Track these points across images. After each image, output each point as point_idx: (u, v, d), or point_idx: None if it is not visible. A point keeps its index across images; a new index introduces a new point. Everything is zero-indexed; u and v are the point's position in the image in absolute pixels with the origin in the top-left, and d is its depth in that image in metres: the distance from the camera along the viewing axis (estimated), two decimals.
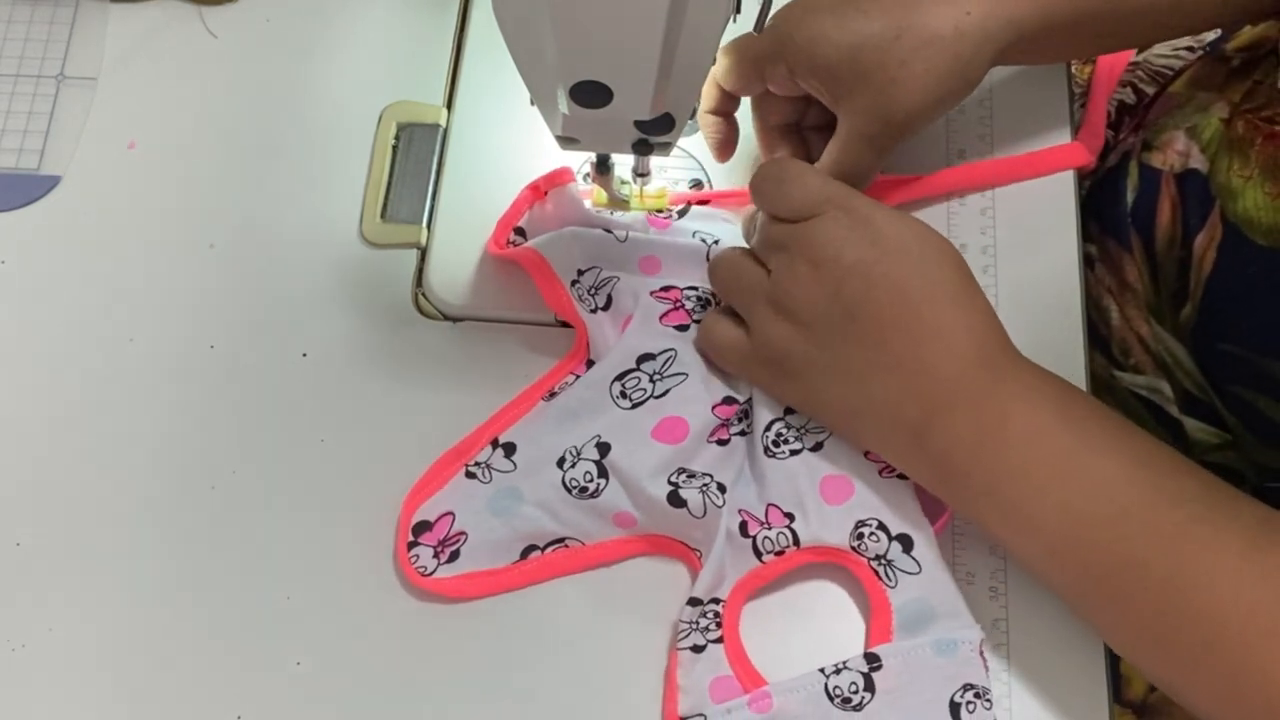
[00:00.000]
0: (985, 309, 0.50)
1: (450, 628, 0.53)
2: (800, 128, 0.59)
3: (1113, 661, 0.52)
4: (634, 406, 0.53)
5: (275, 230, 0.60)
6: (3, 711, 0.52)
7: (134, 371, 0.57)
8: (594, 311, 0.55)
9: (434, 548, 0.53)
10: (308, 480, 0.55)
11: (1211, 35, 0.77)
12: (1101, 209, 0.66)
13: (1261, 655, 0.42)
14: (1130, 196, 0.64)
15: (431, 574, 0.52)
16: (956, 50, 0.52)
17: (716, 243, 0.57)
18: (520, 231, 0.58)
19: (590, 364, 0.56)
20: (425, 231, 0.60)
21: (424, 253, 0.60)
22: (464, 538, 0.53)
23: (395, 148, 0.62)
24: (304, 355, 0.58)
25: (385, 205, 0.61)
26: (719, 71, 0.56)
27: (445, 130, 0.62)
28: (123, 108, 0.63)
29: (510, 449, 0.54)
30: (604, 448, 0.53)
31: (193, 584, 0.54)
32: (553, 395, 0.55)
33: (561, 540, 0.53)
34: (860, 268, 0.48)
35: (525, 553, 0.53)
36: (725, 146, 0.59)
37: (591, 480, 0.52)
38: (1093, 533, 0.46)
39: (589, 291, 0.56)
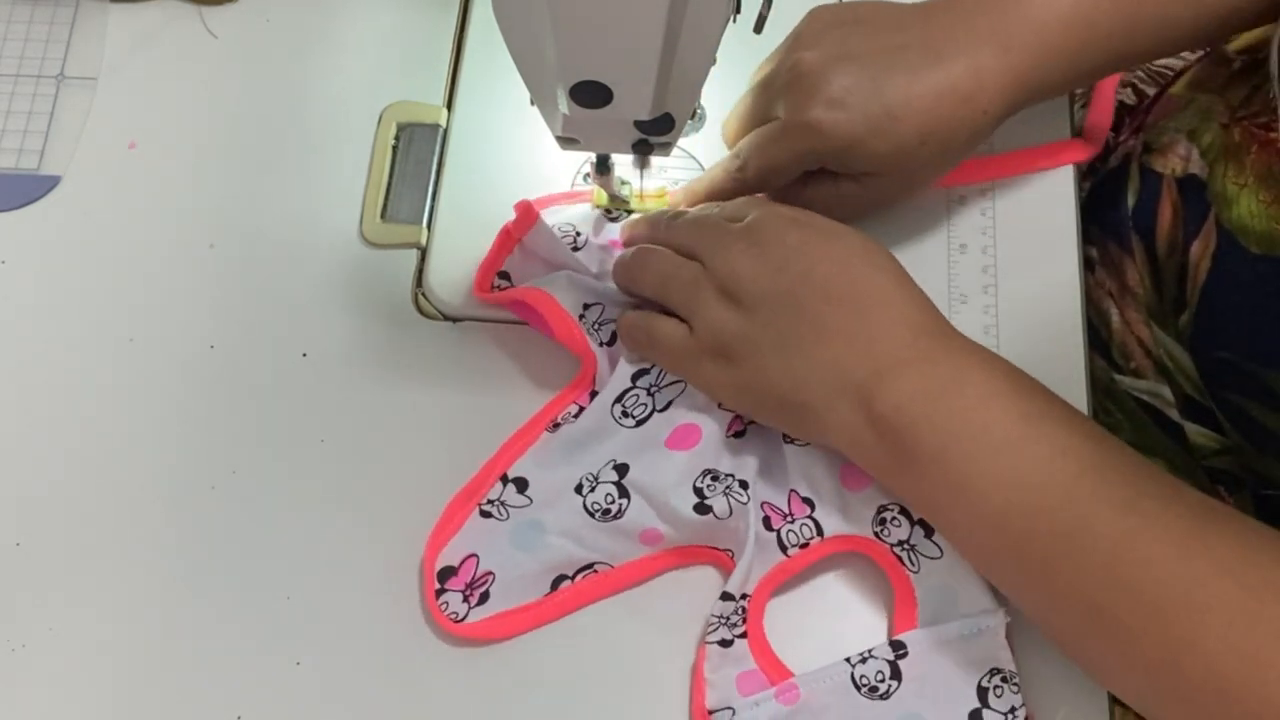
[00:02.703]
0: (920, 290, 0.51)
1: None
2: None
3: None
4: (638, 424, 0.53)
5: (275, 230, 0.60)
6: (3, 711, 0.52)
7: (134, 371, 0.57)
8: (601, 345, 0.55)
9: (462, 592, 0.52)
10: (307, 480, 0.55)
11: None
12: (1102, 211, 0.66)
13: (1201, 629, 0.42)
14: (1131, 200, 0.64)
15: (464, 619, 0.52)
16: (972, 146, 0.55)
17: None
18: (504, 275, 0.57)
19: (594, 395, 0.55)
20: (425, 231, 0.60)
21: (424, 253, 0.60)
22: (492, 578, 0.52)
23: (395, 148, 0.62)
24: (304, 355, 0.58)
25: (385, 205, 0.61)
26: (758, 186, 0.56)
27: (445, 130, 0.62)
28: (123, 108, 0.63)
29: (522, 484, 0.54)
30: (622, 468, 0.53)
31: (193, 584, 0.54)
32: (556, 426, 0.55)
33: (590, 566, 0.53)
34: (804, 247, 0.50)
35: (555, 583, 0.53)
36: None
37: (613, 502, 0.52)
38: (1044, 498, 0.46)
39: (594, 326, 0.55)
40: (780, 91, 0.54)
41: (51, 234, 0.60)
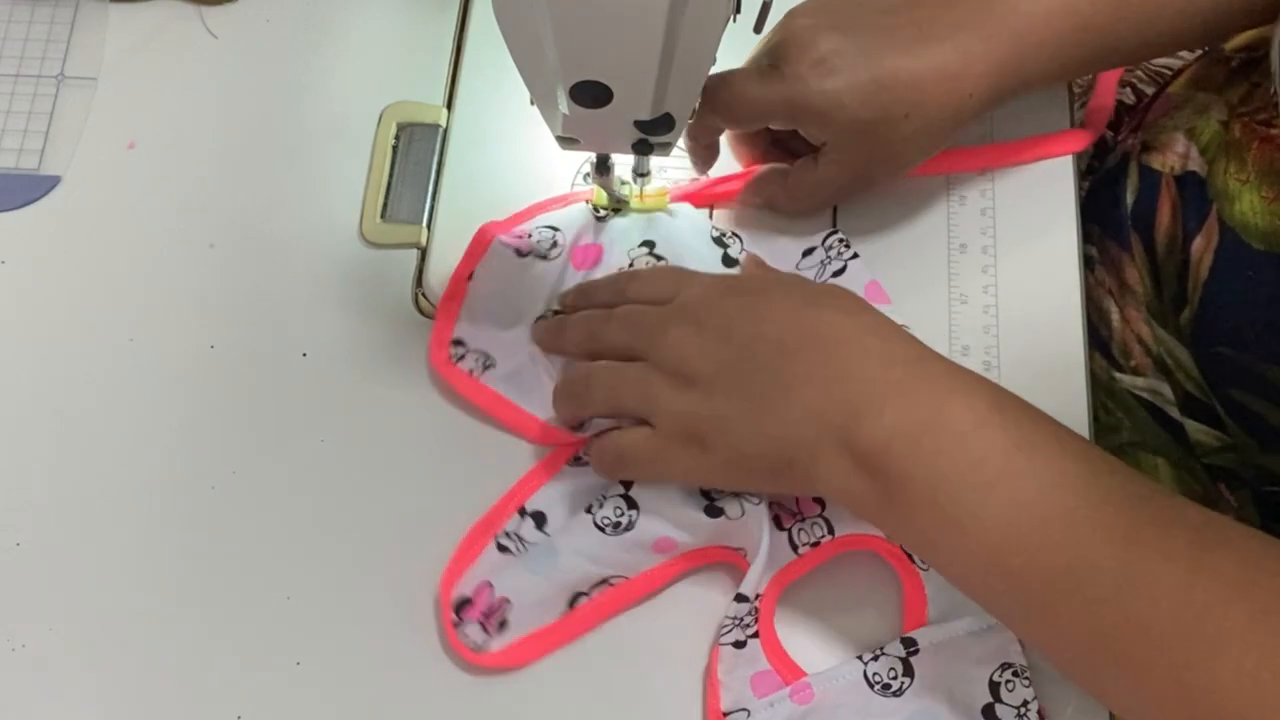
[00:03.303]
0: (882, 316, 0.50)
1: None
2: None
3: None
4: None
5: (275, 230, 0.60)
6: (3, 711, 0.52)
7: (134, 371, 0.57)
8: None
9: (480, 622, 0.51)
10: (307, 480, 0.55)
11: None
12: (1101, 210, 0.66)
13: (1212, 660, 0.41)
14: (1130, 198, 0.64)
15: (484, 648, 0.51)
16: (954, 129, 0.55)
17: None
18: (459, 343, 0.56)
19: None
20: (425, 231, 0.60)
21: (424, 253, 0.60)
22: (508, 604, 0.51)
23: (395, 148, 0.62)
24: (304, 355, 0.58)
25: (385, 205, 0.61)
26: (721, 115, 0.55)
27: (445, 130, 0.62)
28: (123, 108, 0.63)
29: (540, 519, 0.53)
30: (628, 480, 0.52)
31: (193, 584, 0.54)
32: (578, 461, 0.54)
33: (605, 580, 0.52)
34: (745, 310, 0.50)
35: (573, 601, 0.52)
36: (707, 165, 0.60)
37: (622, 514, 0.52)
38: (1041, 534, 0.44)
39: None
40: (769, 52, 0.54)
41: (51, 234, 0.60)
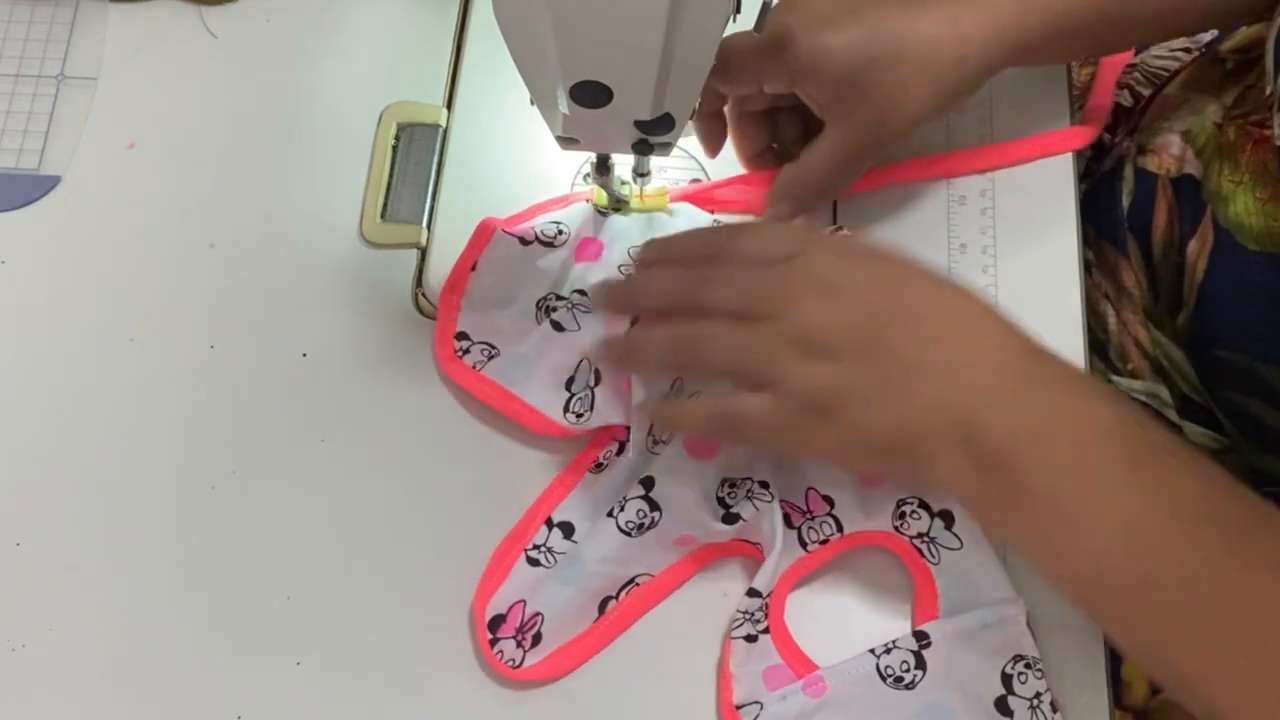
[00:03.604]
0: (994, 309, 0.49)
1: (457, 621, 0.53)
2: (772, 111, 0.59)
3: (1114, 666, 0.52)
4: (667, 442, 0.53)
5: (275, 230, 0.60)
6: (3, 711, 0.52)
7: (134, 371, 0.57)
8: (589, 388, 0.55)
9: (515, 638, 0.52)
10: (307, 480, 0.55)
11: (1207, 36, 0.77)
12: (1097, 213, 0.66)
13: None
14: (1126, 201, 0.65)
15: (521, 665, 0.51)
16: (956, 75, 0.53)
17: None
18: (463, 336, 0.57)
19: (629, 430, 0.54)
20: (425, 231, 0.60)
21: (424, 253, 0.60)
22: (541, 618, 0.52)
23: (395, 148, 0.62)
24: (304, 355, 0.58)
25: (385, 205, 0.61)
26: (719, 76, 0.55)
27: (445, 130, 0.62)
28: (123, 108, 0.63)
29: (568, 529, 0.53)
30: (649, 482, 0.52)
31: (193, 584, 0.54)
32: (599, 467, 0.55)
33: (632, 580, 0.53)
34: (880, 280, 0.49)
35: (602, 605, 0.52)
36: (716, 142, 0.60)
37: (645, 515, 0.52)
38: (1156, 543, 0.44)
39: (595, 366, 0.55)
40: (770, 19, 0.53)
41: (51, 234, 0.60)
